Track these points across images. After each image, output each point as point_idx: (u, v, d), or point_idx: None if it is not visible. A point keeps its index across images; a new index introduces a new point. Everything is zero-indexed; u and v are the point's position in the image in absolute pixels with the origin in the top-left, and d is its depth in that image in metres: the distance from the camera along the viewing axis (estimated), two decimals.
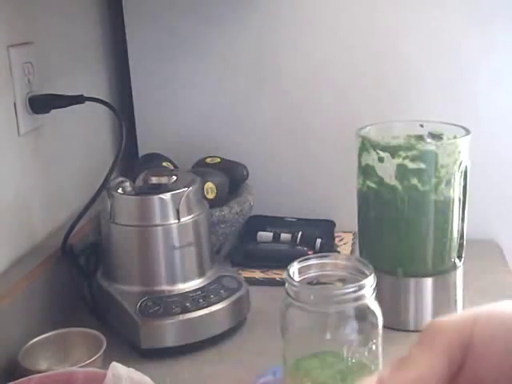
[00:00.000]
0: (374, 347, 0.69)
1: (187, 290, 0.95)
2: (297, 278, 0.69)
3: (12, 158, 0.98)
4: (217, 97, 1.29)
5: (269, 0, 1.23)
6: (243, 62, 1.27)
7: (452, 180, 0.92)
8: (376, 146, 0.93)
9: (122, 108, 1.33)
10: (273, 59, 1.25)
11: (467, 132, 0.94)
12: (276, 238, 1.21)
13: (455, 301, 0.98)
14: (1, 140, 0.96)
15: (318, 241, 1.18)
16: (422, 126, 0.99)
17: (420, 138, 0.98)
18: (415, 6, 1.18)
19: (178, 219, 0.94)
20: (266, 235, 1.22)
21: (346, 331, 0.68)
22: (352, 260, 0.73)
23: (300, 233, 1.20)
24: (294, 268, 0.70)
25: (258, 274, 1.13)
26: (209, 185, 1.12)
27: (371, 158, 0.94)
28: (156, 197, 0.93)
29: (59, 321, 0.97)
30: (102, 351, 0.84)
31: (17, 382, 0.71)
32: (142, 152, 1.31)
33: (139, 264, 0.95)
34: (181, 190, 0.95)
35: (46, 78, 1.06)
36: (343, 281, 0.71)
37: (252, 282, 1.08)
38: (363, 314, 0.68)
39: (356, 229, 1.02)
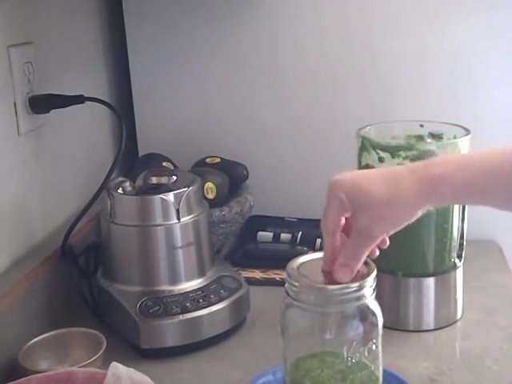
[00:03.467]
0: (374, 347, 0.69)
1: (187, 289, 0.94)
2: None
3: (12, 158, 0.98)
4: (217, 97, 1.29)
5: (268, 0, 1.23)
6: (243, 62, 1.27)
7: None
8: (376, 146, 0.93)
9: (122, 108, 1.33)
10: (273, 59, 1.25)
11: (467, 132, 0.94)
12: (276, 237, 1.21)
13: (455, 300, 0.98)
14: (1, 140, 0.95)
15: (318, 241, 1.18)
16: (422, 125, 0.99)
17: (420, 138, 0.98)
18: (415, 5, 1.18)
19: (178, 219, 0.94)
20: (265, 235, 1.21)
21: (346, 331, 0.69)
22: None
23: (300, 233, 1.20)
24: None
25: (258, 274, 1.13)
26: (209, 185, 1.12)
27: (371, 158, 0.94)
28: (156, 197, 0.93)
29: (59, 321, 0.97)
30: (101, 351, 0.84)
31: (17, 382, 0.71)
32: (141, 152, 1.32)
33: (139, 264, 0.95)
34: (181, 190, 0.94)
35: (46, 78, 1.06)
36: None
37: (252, 282, 1.08)
38: (363, 314, 0.68)
39: None
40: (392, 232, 0.71)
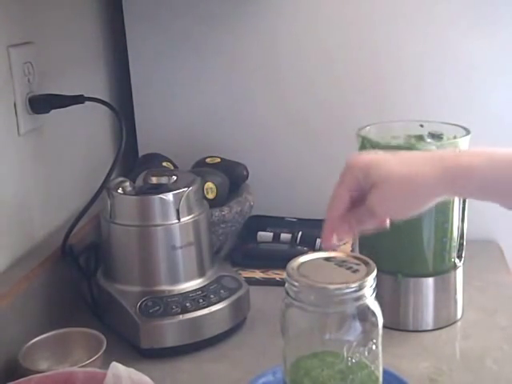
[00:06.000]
0: (374, 347, 0.69)
1: (187, 289, 0.95)
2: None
3: (12, 158, 0.98)
4: (217, 96, 1.29)
5: (267, 0, 1.23)
6: (243, 62, 1.27)
7: None
8: (376, 146, 0.93)
9: (122, 108, 1.33)
10: (273, 59, 1.25)
11: (467, 132, 0.94)
12: (276, 237, 1.21)
13: (455, 300, 0.99)
14: (1, 140, 0.96)
15: (318, 241, 1.18)
16: (422, 125, 0.99)
17: (420, 138, 0.98)
18: (416, 5, 1.18)
19: (178, 219, 0.94)
20: (265, 235, 1.21)
21: (346, 331, 0.69)
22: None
23: (300, 233, 1.20)
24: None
25: (258, 274, 1.13)
26: (209, 185, 1.12)
27: None
28: (156, 197, 0.93)
29: (59, 321, 0.97)
30: (102, 351, 0.84)
31: (17, 382, 0.71)
32: (141, 152, 1.32)
33: (139, 264, 0.95)
34: (181, 190, 0.95)
35: (46, 78, 1.06)
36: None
37: (252, 282, 1.08)
38: (363, 314, 0.68)
39: None
40: (399, 217, 0.71)
